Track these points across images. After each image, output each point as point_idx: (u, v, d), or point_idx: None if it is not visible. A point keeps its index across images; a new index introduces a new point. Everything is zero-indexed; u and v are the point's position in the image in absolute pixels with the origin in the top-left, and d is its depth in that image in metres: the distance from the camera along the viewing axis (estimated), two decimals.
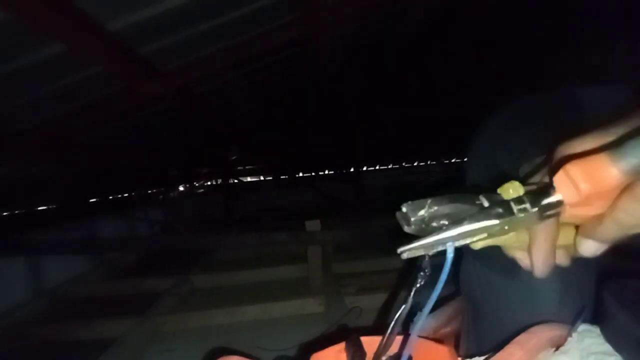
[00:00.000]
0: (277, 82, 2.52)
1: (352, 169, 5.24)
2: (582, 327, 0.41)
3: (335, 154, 4.77)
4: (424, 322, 0.33)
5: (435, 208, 0.29)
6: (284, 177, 5.11)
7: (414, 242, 0.28)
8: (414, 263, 0.41)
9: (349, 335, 0.39)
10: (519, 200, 0.28)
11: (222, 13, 1.42)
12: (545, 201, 0.27)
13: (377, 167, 5.71)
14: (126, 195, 3.58)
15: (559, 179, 0.26)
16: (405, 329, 0.38)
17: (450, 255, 0.30)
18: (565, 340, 0.41)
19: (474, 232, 0.28)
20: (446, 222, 0.29)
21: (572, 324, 0.42)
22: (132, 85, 1.50)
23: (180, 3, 1.24)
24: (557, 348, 0.41)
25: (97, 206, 3.12)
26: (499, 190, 0.30)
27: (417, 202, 0.29)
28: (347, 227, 2.33)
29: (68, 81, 1.32)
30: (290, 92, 2.79)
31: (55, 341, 1.50)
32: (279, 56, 2.01)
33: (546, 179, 0.32)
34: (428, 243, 0.28)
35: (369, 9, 1.81)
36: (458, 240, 0.29)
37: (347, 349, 0.39)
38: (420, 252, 0.29)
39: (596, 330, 0.41)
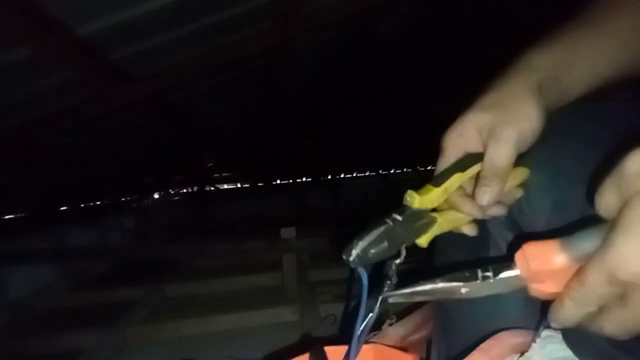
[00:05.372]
0: (253, 89, 2.51)
1: (328, 177, 5.25)
2: (545, 333, 0.42)
3: (311, 162, 4.77)
4: (362, 330, 0.38)
5: (361, 243, 0.35)
6: (260, 184, 5.08)
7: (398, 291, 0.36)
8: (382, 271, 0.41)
9: (313, 345, 0.39)
10: (484, 269, 0.32)
11: (197, 19, 1.41)
12: (505, 274, 0.31)
13: (354, 175, 5.72)
14: (98, 203, 3.50)
15: (517, 255, 0.31)
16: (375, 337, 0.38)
17: (365, 282, 0.38)
18: (529, 346, 0.42)
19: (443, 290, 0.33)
20: (386, 244, 0.35)
21: (536, 329, 0.42)
22: (104, 91, 1.47)
23: (153, 8, 1.22)
24: (522, 354, 0.42)
25: (67, 215, 3.03)
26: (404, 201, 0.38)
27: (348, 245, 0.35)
28: (322, 234, 2.33)
29: (35, 87, 1.28)
30: (266, 99, 2.78)
31: (20, 355, 1.44)
32: (255, 63, 2.01)
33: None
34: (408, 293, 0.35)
35: (345, 17, 1.82)
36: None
37: (310, 359, 0.38)
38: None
39: (558, 336, 0.41)
